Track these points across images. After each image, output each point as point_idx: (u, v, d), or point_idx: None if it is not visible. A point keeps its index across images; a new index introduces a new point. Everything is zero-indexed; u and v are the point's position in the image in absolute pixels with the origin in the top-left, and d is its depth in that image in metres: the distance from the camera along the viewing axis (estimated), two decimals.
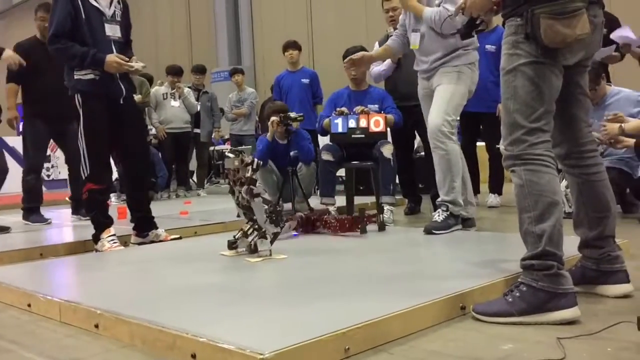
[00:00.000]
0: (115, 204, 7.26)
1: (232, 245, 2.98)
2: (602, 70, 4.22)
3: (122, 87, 3.64)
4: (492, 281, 2.12)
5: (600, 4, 1.99)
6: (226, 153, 2.96)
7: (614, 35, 4.26)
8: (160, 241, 3.75)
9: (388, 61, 5.01)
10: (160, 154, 7.90)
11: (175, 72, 7.99)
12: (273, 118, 4.85)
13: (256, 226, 2.90)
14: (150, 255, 3.28)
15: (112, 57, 3.50)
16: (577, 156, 2.12)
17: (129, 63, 3.58)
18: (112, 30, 3.61)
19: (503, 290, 2.02)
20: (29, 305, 2.34)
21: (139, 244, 3.74)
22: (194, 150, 8.58)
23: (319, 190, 4.95)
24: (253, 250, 2.88)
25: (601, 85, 4.20)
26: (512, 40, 1.97)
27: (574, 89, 2.08)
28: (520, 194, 1.94)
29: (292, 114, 4.87)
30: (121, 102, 3.64)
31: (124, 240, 3.96)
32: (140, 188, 3.85)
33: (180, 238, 3.86)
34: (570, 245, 2.17)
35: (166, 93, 7.92)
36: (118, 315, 1.93)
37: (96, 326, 1.99)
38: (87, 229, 3.76)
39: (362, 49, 4.92)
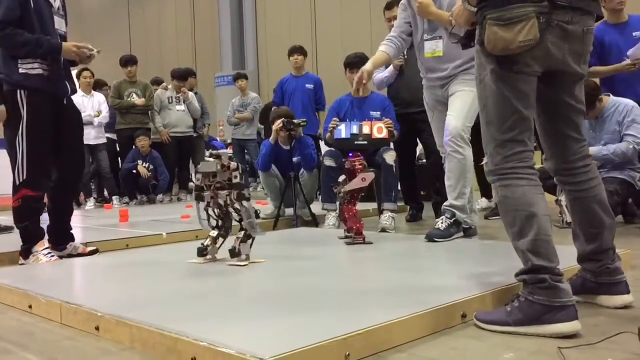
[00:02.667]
0: (117, 206, 7.30)
1: (202, 252, 2.93)
2: (599, 92, 4.25)
3: (68, 86, 3.44)
4: (494, 289, 2.12)
5: (581, 10, 1.87)
6: (205, 157, 2.94)
7: (631, 53, 4.28)
8: (79, 254, 3.52)
9: (390, 68, 5.03)
10: (161, 157, 7.92)
11: (180, 76, 8.02)
12: (276, 122, 4.87)
13: (222, 232, 2.95)
14: (150, 258, 3.28)
15: (68, 44, 3.33)
16: (567, 173, 2.07)
17: (87, 46, 3.38)
18: (59, 24, 3.42)
19: (505, 299, 2.02)
20: (30, 307, 2.34)
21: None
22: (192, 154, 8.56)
23: (320, 196, 4.96)
24: (237, 253, 2.85)
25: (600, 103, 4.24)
26: (476, 50, 1.95)
27: (560, 107, 2.01)
28: (500, 211, 1.93)
29: (296, 120, 4.89)
30: (64, 102, 3.44)
31: (125, 244, 3.98)
32: (67, 195, 3.62)
33: (97, 250, 3.64)
34: (571, 255, 2.17)
35: (171, 97, 7.95)
36: (119, 317, 1.93)
37: (97, 328, 1.99)
38: (87, 232, 3.73)
39: (363, 55, 4.94)
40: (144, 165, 7.61)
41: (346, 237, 3.50)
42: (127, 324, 1.88)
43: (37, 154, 3.26)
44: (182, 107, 7.95)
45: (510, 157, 1.88)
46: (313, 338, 1.58)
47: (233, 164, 2.87)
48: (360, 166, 3.43)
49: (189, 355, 1.63)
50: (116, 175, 7.87)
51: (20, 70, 3.23)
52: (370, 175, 3.41)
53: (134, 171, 7.57)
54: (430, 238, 3.41)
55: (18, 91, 3.23)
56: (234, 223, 2.97)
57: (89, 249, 3.61)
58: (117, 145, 8.08)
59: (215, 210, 2.93)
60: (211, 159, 2.87)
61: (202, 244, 2.96)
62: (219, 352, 1.56)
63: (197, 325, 1.78)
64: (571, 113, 2.03)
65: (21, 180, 3.24)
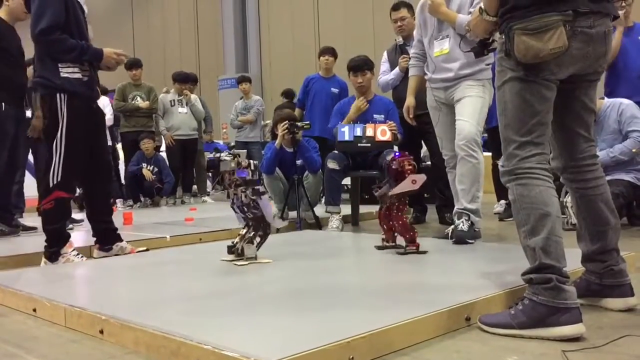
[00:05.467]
0: (122, 209, 7.31)
1: (232, 249, 3.01)
2: None
3: (97, 90, 3.53)
4: (498, 292, 2.12)
5: (601, 13, 1.91)
6: (222, 156, 3.03)
7: None
8: (125, 255, 3.54)
9: (396, 70, 5.03)
10: (167, 160, 7.93)
11: (182, 79, 8.03)
12: (281, 126, 4.88)
13: (243, 231, 3.02)
14: (155, 261, 3.29)
15: (109, 51, 3.40)
16: (574, 170, 2.10)
17: (124, 53, 3.48)
18: (89, 30, 3.49)
19: (509, 302, 2.02)
20: (35, 310, 2.35)
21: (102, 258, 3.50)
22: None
23: (324, 199, 4.96)
24: (240, 254, 2.95)
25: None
26: (498, 58, 2.00)
27: (573, 104, 2.05)
28: (514, 209, 1.95)
29: (299, 123, 4.90)
30: (93, 106, 3.49)
31: (134, 247, 3.98)
32: (102, 197, 3.63)
33: (147, 250, 3.69)
34: (576, 258, 2.17)
35: (173, 100, 7.96)
36: (123, 321, 1.93)
37: (101, 332, 1.99)
38: (91, 234, 3.71)
39: (366, 58, 4.95)
40: (148, 168, 7.63)
41: (385, 246, 3.24)
42: (131, 328, 1.89)
43: (74, 158, 3.29)
44: (184, 109, 7.95)
45: (528, 158, 1.91)
46: (317, 341, 1.58)
47: (246, 161, 2.98)
48: (410, 167, 3.10)
49: (193, 359, 1.63)
50: (119, 177, 7.88)
51: (62, 74, 3.25)
52: (421, 177, 3.06)
53: (138, 174, 7.58)
54: (461, 240, 3.35)
55: (58, 95, 3.25)
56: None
57: (139, 249, 3.65)
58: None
59: (243, 206, 2.99)
60: (228, 158, 2.98)
61: (232, 242, 3.03)
62: (223, 355, 1.56)
63: (201, 329, 1.78)
64: (583, 112, 2.07)
65: (55, 182, 3.23)
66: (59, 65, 3.26)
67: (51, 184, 3.25)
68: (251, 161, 3.03)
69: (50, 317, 2.26)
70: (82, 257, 3.40)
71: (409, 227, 3.11)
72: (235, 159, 2.97)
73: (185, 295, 2.33)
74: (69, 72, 3.27)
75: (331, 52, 6.58)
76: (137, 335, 1.86)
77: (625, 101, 4.28)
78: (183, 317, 1.97)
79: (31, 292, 2.45)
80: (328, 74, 6.55)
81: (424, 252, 3.08)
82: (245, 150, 3.53)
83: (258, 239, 2.98)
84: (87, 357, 1.84)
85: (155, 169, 7.69)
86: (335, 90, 6.41)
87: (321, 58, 6.57)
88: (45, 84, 3.28)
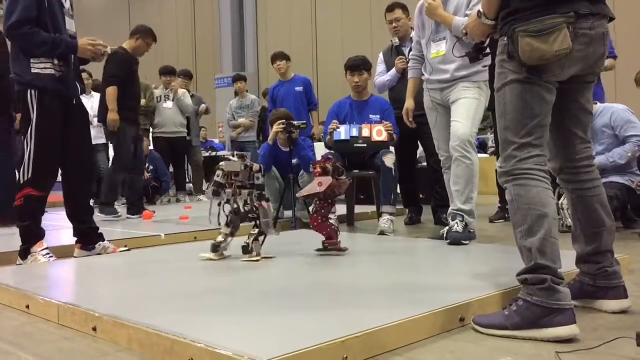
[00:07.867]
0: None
1: (246, 249, 3.04)
2: None
3: (77, 86, 3.44)
4: (492, 293, 2.12)
5: (599, 15, 1.93)
6: (230, 156, 3.03)
7: None
8: (108, 254, 3.49)
9: (392, 71, 5.03)
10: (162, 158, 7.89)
11: (167, 71, 7.73)
12: (276, 124, 4.87)
13: (232, 230, 3.09)
14: (149, 259, 3.28)
15: (84, 40, 3.33)
16: (571, 171, 2.11)
17: (101, 43, 3.40)
18: (70, 24, 3.40)
19: (503, 302, 2.02)
20: (27, 307, 2.34)
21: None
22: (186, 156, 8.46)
23: None
24: (249, 251, 3.03)
25: None
26: (499, 60, 2.00)
27: (571, 105, 2.06)
28: (511, 209, 1.95)
29: (295, 122, 4.89)
30: (74, 102, 3.41)
31: (123, 244, 3.96)
32: (83, 196, 3.57)
33: (128, 249, 3.68)
34: (570, 260, 2.17)
35: (160, 95, 7.77)
36: (116, 318, 1.93)
37: (94, 329, 1.99)
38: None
39: (364, 58, 4.95)
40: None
41: (326, 248, 3.18)
42: (124, 325, 1.88)
43: (44, 154, 3.24)
44: (169, 104, 7.60)
45: (527, 159, 1.92)
46: (311, 340, 1.58)
47: (256, 166, 3.02)
48: (318, 170, 3.08)
49: (187, 357, 1.63)
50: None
51: (33, 70, 3.21)
52: (327, 180, 3.04)
53: None
54: (456, 241, 3.36)
55: (28, 91, 3.22)
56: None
57: (120, 249, 3.63)
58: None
59: (233, 206, 3.04)
60: (235, 159, 3.01)
61: (245, 242, 3.07)
62: (216, 353, 1.55)
63: (194, 327, 1.78)
64: (580, 113, 2.08)
65: (26, 179, 3.22)
66: (31, 60, 3.22)
67: (22, 181, 3.24)
68: (259, 165, 3.09)
69: (43, 313, 2.25)
70: (51, 256, 3.32)
71: (324, 225, 3.13)
72: (242, 161, 3.00)
73: (178, 293, 2.32)
74: (40, 67, 3.22)
75: (281, 56, 6.65)
76: (130, 333, 1.85)
77: (618, 106, 4.26)
78: (176, 315, 1.97)
79: (24, 288, 2.44)
80: (286, 77, 6.61)
81: (344, 250, 3.12)
82: (250, 152, 3.56)
83: (262, 237, 3.08)
84: (80, 354, 1.83)
85: (151, 167, 7.65)
86: (299, 89, 6.46)
87: (274, 65, 6.64)
88: (17, 80, 3.26)
